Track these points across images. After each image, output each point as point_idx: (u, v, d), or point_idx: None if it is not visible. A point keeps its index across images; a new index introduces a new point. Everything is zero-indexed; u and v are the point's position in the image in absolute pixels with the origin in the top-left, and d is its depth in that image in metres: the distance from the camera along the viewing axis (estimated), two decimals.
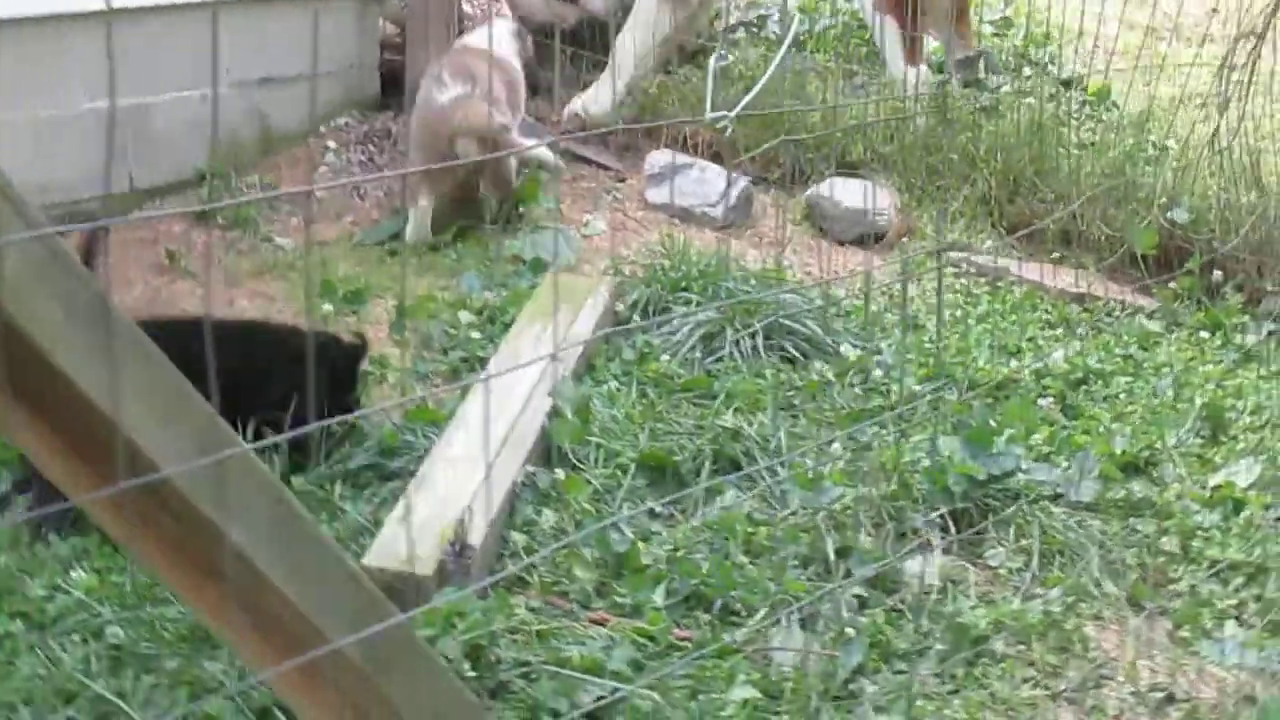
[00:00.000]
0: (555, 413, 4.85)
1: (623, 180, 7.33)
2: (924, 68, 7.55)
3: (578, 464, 4.69)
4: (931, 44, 8.07)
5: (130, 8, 6.70)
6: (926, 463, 4.63)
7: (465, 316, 5.76)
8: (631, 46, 7.66)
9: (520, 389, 4.94)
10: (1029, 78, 8.16)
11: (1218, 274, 6.25)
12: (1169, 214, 6.36)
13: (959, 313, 6.04)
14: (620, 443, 4.77)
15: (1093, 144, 6.96)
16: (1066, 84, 8.05)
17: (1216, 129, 6.47)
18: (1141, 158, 6.81)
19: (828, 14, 8.71)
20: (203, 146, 7.09)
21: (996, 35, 8.87)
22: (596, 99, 7.73)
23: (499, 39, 7.22)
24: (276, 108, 7.35)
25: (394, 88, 7.81)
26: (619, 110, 7.63)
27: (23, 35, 6.44)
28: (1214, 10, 8.16)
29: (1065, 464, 4.80)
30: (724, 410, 5.00)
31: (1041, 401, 5.25)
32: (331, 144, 7.49)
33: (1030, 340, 5.85)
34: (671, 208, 6.93)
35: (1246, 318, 6.12)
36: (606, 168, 7.48)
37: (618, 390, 5.16)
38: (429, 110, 6.75)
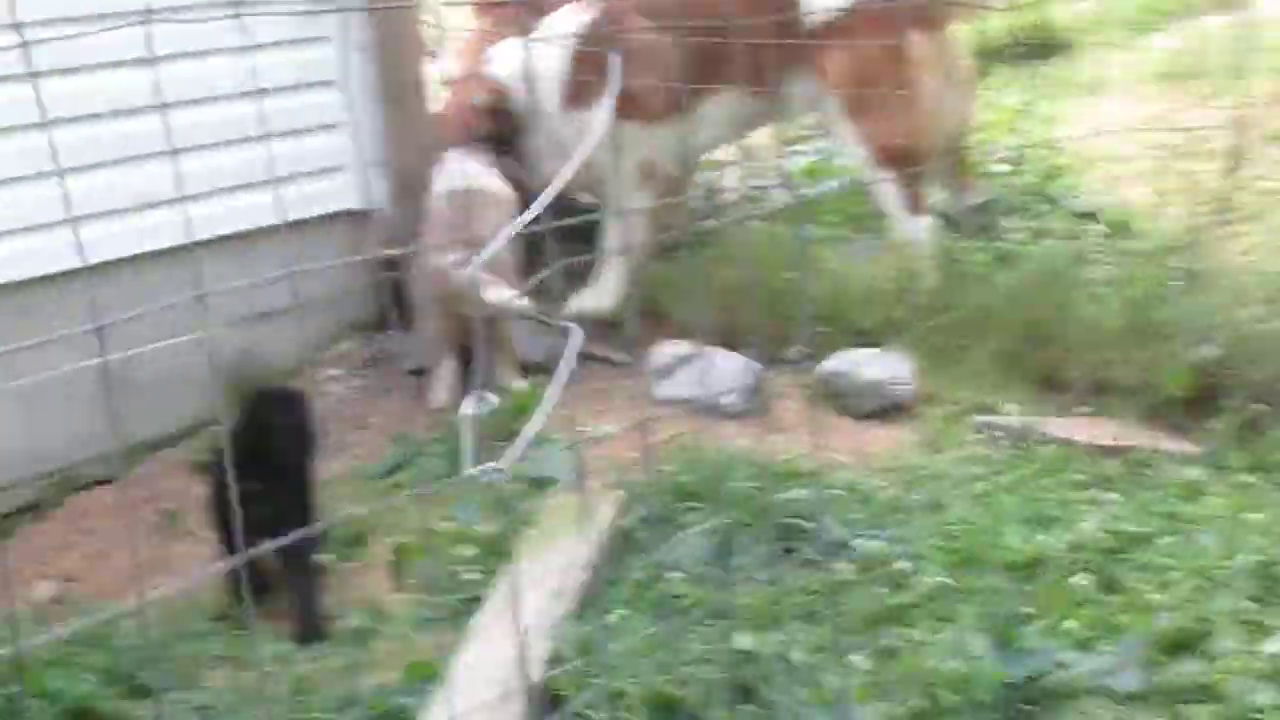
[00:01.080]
0: (554, 657, 4.54)
1: (633, 377, 7.05)
2: (930, 219, 7.26)
3: (583, 712, 4.37)
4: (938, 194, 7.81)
5: (104, 261, 6.53)
6: (955, 665, 4.29)
7: (465, 551, 5.47)
8: (619, 235, 7.44)
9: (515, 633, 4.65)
10: (1045, 214, 7.87)
11: (1260, 407, 5.87)
12: (1199, 350, 5.99)
13: (985, 485, 5.69)
14: (626, 680, 4.44)
15: (1111, 282, 6.58)
16: (1084, 217, 7.77)
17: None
18: (1169, 290, 6.44)
19: (834, 178, 8.48)
20: (195, 394, 6.89)
21: (1011, 174, 8.57)
22: (597, 295, 7.51)
23: (482, 171, 7.22)
24: (272, 342, 7.15)
25: (396, 304, 7.60)
26: (623, 304, 7.42)
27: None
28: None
29: (1108, 649, 4.43)
30: (735, 630, 4.66)
31: (1075, 580, 4.87)
32: (334, 372, 7.27)
33: (1065, 505, 5.49)
34: (682, 402, 6.64)
35: None
36: (615, 363, 7.21)
37: (623, 619, 4.84)
38: (433, 274, 6.82)
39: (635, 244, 7.45)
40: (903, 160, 7.07)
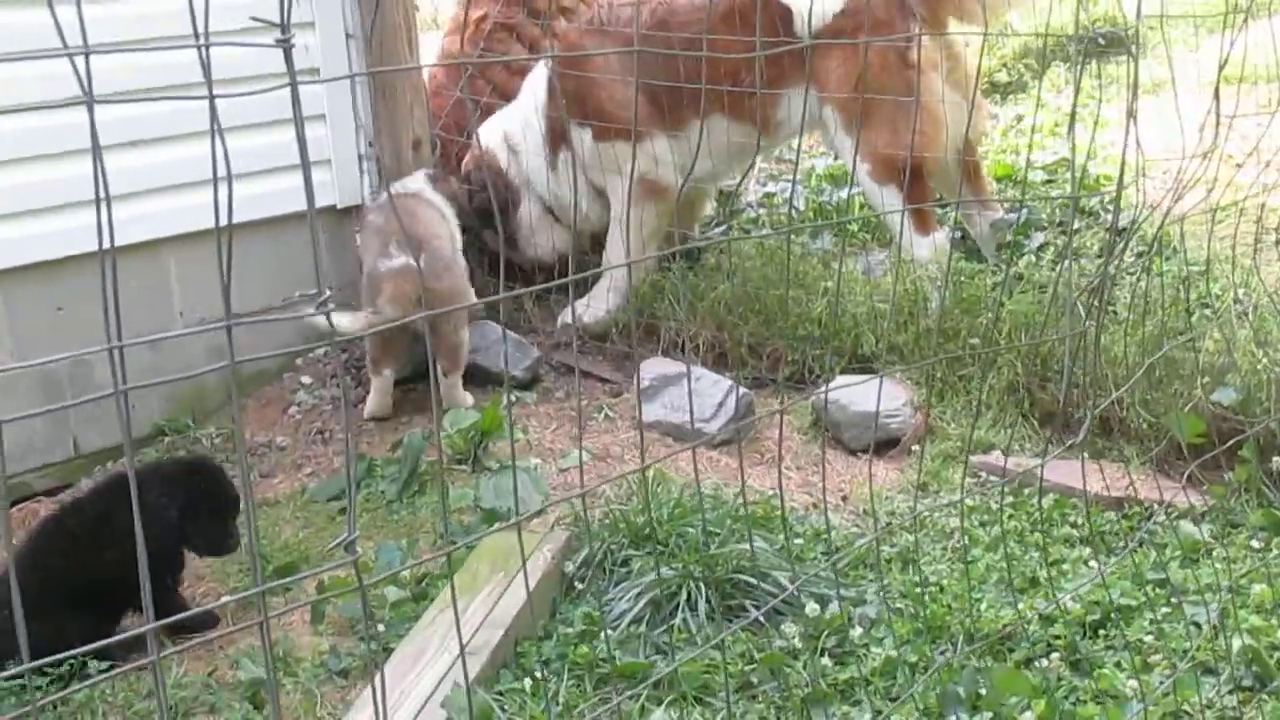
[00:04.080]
0: None
1: (619, 395, 6.59)
2: (940, 236, 6.69)
3: None
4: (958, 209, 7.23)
5: (60, 258, 6.14)
6: None
7: (392, 593, 5.03)
8: (621, 248, 6.95)
9: (416, 695, 4.22)
10: (1077, 231, 7.29)
11: (1279, 460, 5.31)
12: (1213, 395, 5.43)
13: (969, 538, 5.18)
14: None
15: (1129, 314, 5.98)
16: (1121, 233, 7.16)
17: None
18: (1190, 323, 5.85)
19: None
20: (159, 397, 6.51)
21: (1048, 182, 7.99)
22: (590, 306, 7.05)
23: (418, 184, 6.91)
24: (244, 344, 6.70)
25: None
26: (615, 317, 6.95)
27: None
28: None
29: None
30: (654, 708, 4.19)
31: (1043, 661, 4.35)
32: (305, 379, 6.85)
33: (1052, 565, 4.97)
34: (664, 425, 6.16)
35: None
36: (604, 380, 6.75)
37: (539, 685, 4.38)
38: (371, 278, 6.45)
39: (635, 260, 6.97)
40: (906, 173, 6.49)
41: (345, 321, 6.14)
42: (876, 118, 6.44)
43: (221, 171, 1.79)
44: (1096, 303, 3.92)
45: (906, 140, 6.25)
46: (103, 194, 1.81)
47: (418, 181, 6.86)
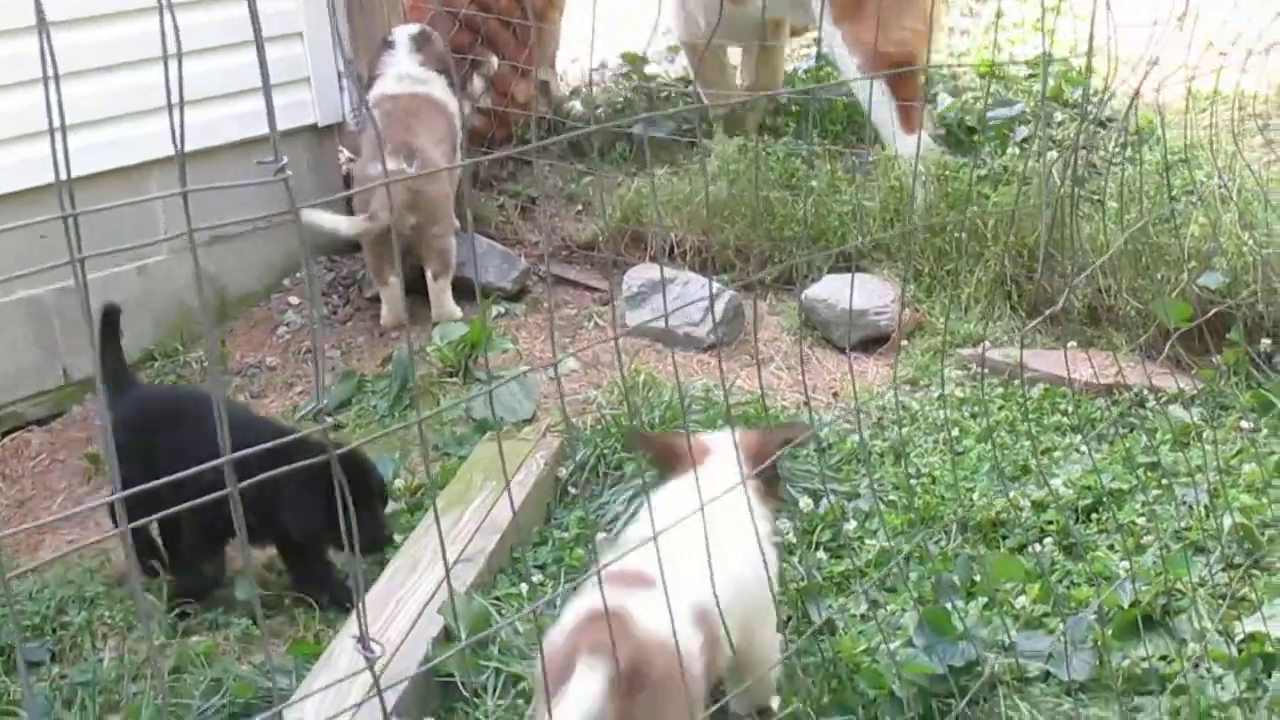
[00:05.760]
0: (447, 635, 4.12)
1: (608, 303, 6.58)
2: (925, 134, 6.65)
3: (473, 696, 3.95)
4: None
5: (42, 184, 6.09)
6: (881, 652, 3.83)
7: (390, 505, 5.05)
8: None
9: (413, 603, 4.25)
10: (1060, 124, 7.27)
11: (1267, 342, 5.32)
12: (1199, 280, 5.43)
13: (959, 429, 5.20)
14: (525, 663, 4.02)
15: (1112, 202, 5.96)
16: (1105, 124, 7.13)
17: None
18: (1174, 209, 5.83)
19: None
20: (148, 322, 6.50)
21: (1031, 76, 7.95)
22: None
23: (413, 70, 6.72)
24: (229, 267, 6.72)
25: None
26: (606, 227, 6.87)
27: None
28: None
29: (1060, 627, 3.94)
30: None
31: (1037, 546, 4.38)
32: (293, 299, 6.84)
33: (1043, 454, 4.99)
34: (653, 330, 6.16)
35: None
36: (592, 289, 6.74)
37: (537, 589, 4.40)
38: (361, 183, 6.54)
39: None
40: (897, 69, 6.42)
41: (344, 224, 6.15)
42: (869, 10, 6.32)
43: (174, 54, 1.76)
44: (1070, 177, 3.88)
45: (898, 36, 6.21)
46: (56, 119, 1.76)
47: (406, 55, 6.73)
